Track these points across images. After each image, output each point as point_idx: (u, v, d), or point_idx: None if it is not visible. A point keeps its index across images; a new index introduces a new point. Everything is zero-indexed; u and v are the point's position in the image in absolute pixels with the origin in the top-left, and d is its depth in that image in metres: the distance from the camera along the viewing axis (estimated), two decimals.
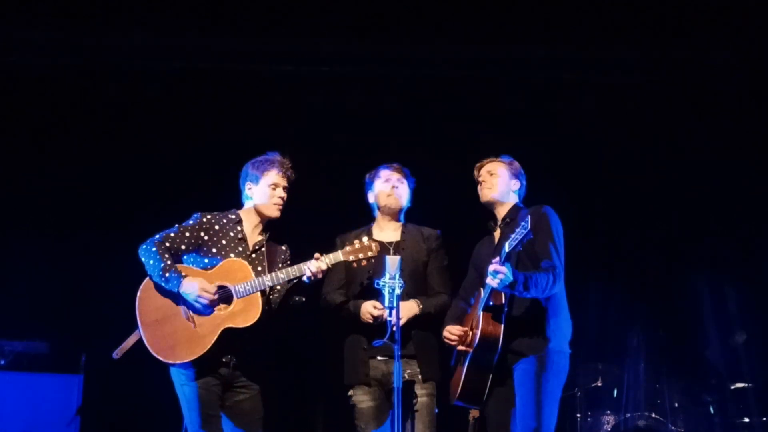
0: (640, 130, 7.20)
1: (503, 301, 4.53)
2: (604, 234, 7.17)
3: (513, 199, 4.91)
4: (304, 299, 4.89)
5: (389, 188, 5.09)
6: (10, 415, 6.33)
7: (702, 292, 7.16)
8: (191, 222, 4.80)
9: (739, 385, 6.95)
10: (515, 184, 4.91)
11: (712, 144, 7.13)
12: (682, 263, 7.21)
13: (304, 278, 4.69)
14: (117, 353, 4.67)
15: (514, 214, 4.81)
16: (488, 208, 4.93)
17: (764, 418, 6.81)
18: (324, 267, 4.70)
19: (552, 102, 7.23)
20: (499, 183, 4.86)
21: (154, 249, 4.65)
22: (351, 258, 4.78)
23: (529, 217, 4.33)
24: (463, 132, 7.10)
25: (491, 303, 4.53)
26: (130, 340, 4.65)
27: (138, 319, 4.64)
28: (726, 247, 7.10)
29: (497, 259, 4.37)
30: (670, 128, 7.19)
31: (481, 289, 4.66)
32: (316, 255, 4.73)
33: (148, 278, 4.70)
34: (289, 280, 4.72)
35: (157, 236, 4.72)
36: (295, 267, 4.70)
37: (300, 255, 4.90)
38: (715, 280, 7.15)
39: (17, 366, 6.59)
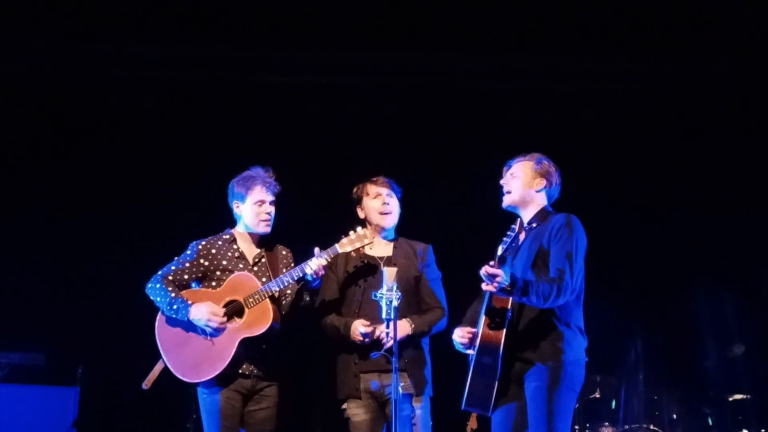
0: (639, 140, 7.21)
1: (508, 305, 4.32)
2: (602, 245, 7.13)
3: (539, 200, 4.60)
4: (312, 298, 4.93)
5: (380, 205, 5.02)
6: (6, 428, 6.30)
7: (700, 303, 7.15)
8: (189, 252, 4.88)
9: (738, 396, 6.96)
10: (539, 183, 4.59)
11: (711, 153, 7.14)
12: (681, 275, 7.20)
13: (307, 277, 4.74)
14: (146, 384, 4.77)
15: (541, 217, 4.56)
16: (514, 213, 4.66)
17: (762, 430, 6.81)
18: (324, 263, 4.75)
19: (551, 112, 7.24)
20: (518, 186, 4.59)
21: (158, 285, 4.75)
22: (348, 248, 4.82)
23: (519, 221, 4.22)
24: (460, 142, 7.10)
25: (493, 306, 4.33)
26: (156, 370, 4.77)
27: (160, 348, 4.75)
28: (725, 258, 7.09)
29: (492, 262, 4.19)
30: (669, 138, 7.19)
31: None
32: (316, 250, 4.77)
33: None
34: (297, 281, 4.77)
35: (160, 273, 4.81)
36: (297, 268, 4.76)
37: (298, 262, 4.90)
38: (713, 292, 7.14)
39: (13, 378, 6.56)
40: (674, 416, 6.88)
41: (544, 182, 4.60)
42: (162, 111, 7.11)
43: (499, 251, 4.24)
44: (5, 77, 7.05)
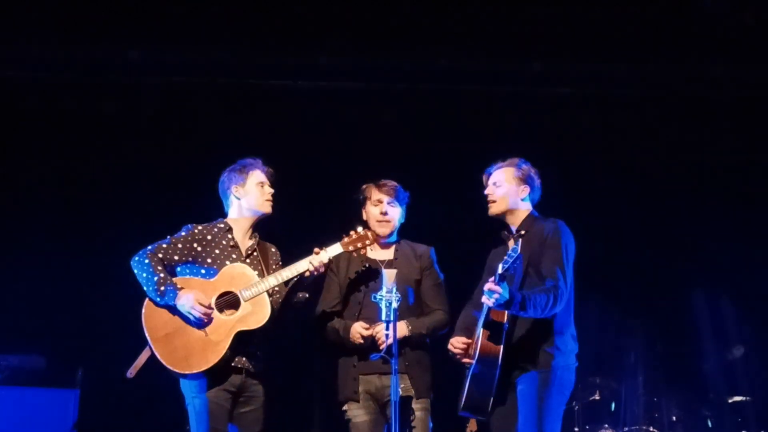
0: (637, 145, 7.22)
1: (504, 319, 4.43)
2: (602, 248, 7.15)
3: (524, 207, 4.72)
4: (307, 295, 4.90)
5: (378, 213, 4.99)
6: (7, 430, 6.30)
7: (700, 306, 7.16)
8: (183, 233, 4.81)
9: (737, 398, 6.96)
10: (524, 190, 4.69)
11: (708, 158, 7.16)
12: (680, 277, 7.21)
13: (306, 274, 4.73)
14: (131, 372, 4.65)
15: (530, 224, 4.65)
16: (499, 221, 4.78)
17: None
18: (325, 260, 4.75)
19: (550, 116, 7.25)
20: (504, 194, 4.68)
21: (146, 261, 4.64)
22: (350, 248, 4.83)
23: (520, 241, 4.27)
24: (460, 145, 7.11)
25: (491, 319, 4.45)
26: (142, 358, 4.63)
27: (147, 335, 4.61)
28: (724, 261, 7.10)
29: (493, 278, 4.28)
30: (667, 143, 7.21)
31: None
32: (316, 250, 4.76)
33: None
34: (291, 278, 4.74)
35: (149, 247, 4.71)
36: (297, 264, 4.74)
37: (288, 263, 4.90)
38: (712, 294, 7.15)
39: (13, 381, 6.57)
40: (674, 418, 6.88)
41: (528, 189, 4.71)
42: (161, 114, 7.12)
43: (500, 269, 4.28)
44: (4, 81, 7.06)
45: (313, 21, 6.73)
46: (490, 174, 4.77)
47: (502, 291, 4.22)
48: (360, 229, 4.87)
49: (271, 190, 4.90)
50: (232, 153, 6.60)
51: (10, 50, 6.96)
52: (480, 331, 4.47)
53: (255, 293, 4.65)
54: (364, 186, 5.12)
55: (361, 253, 4.92)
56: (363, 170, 5.83)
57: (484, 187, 4.79)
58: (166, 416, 6.38)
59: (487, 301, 4.28)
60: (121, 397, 6.45)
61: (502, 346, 4.41)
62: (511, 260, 4.27)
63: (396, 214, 5.04)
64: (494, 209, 4.72)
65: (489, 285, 4.25)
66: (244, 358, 4.67)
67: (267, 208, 4.90)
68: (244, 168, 4.90)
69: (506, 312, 4.40)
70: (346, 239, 4.84)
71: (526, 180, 4.70)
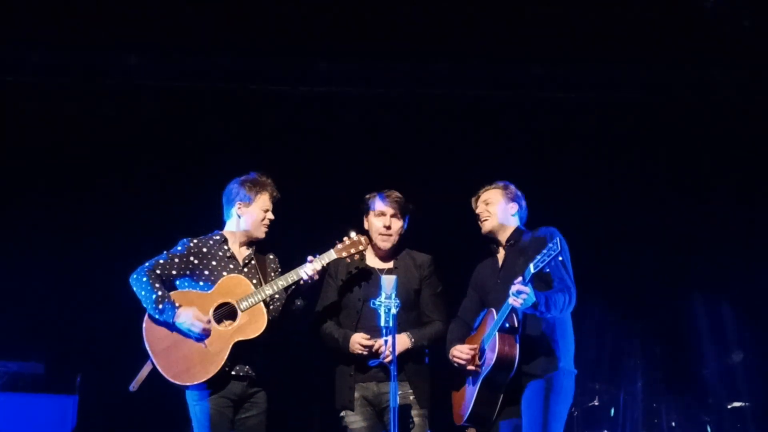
0: (637, 149, 7.22)
1: (517, 323, 4.52)
2: (602, 251, 7.15)
3: (514, 223, 4.87)
4: (304, 303, 4.92)
5: (382, 226, 4.97)
6: None
7: (699, 311, 7.16)
8: (179, 248, 4.86)
9: (737, 404, 6.95)
10: (513, 207, 4.86)
11: (708, 162, 7.15)
12: (680, 282, 7.20)
13: (302, 282, 4.76)
14: (133, 386, 4.74)
15: (518, 236, 4.81)
16: (490, 237, 4.90)
17: None
18: (319, 267, 4.78)
19: (549, 121, 7.24)
20: (496, 211, 4.83)
21: (144, 279, 4.70)
22: (344, 254, 4.85)
23: (558, 239, 4.34)
24: (460, 150, 7.11)
25: (507, 325, 4.52)
26: (144, 371, 4.72)
27: (148, 348, 4.70)
28: (723, 266, 7.09)
29: (520, 279, 4.36)
30: (667, 147, 7.20)
31: (494, 311, 4.65)
32: (310, 258, 4.79)
33: None
34: (288, 287, 4.78)
35: (147, 264, 4.77)
36: (292, 272, 4.78)
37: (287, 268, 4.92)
38: (712, 300, 7.14)
39: (12, 387, 6.58)
40: (673, 424, 6.89)
41: (516, 206, 4.89)
42: (159, 119, 7.11)
43: (532, 269, 4.36)
44: (3, 85, 7.06)
45: (312, 26, 6.72)
46: (479, 196, 4.92)
47: (529, 291, 4.32)
48: (353, 234, 4.88)
49: (272, 217, 4.93)
50: (230, 157, 6.65)
51: (9, 54, 6.96)
52: (496, 336, 4.52)
53: (252, 303, 4.70)
54: (368, 195, 5.08)
55: (355, 258, 4.92)
56: (361, 175, 5.83)
57: (473, 211, 4.93)
58: (165, 422, 6.39)
59: (515, 302, 4.36)
60: (119, 403, 6.44)
61: (518, 350, 4.49)
62: (549, 258, 4.31)
63: (398, 227, 5.01)
64: (487, 226, 4.86)
65: (517, 286, 4.34)
66: (246, 367, 4.73)
67: (262, 234, 4.94)
68: (254, 187, 4.91)
69: (517, 316, 4.50)
70: (339, 245, 4.87)
71: (514, 199, 4.88)
